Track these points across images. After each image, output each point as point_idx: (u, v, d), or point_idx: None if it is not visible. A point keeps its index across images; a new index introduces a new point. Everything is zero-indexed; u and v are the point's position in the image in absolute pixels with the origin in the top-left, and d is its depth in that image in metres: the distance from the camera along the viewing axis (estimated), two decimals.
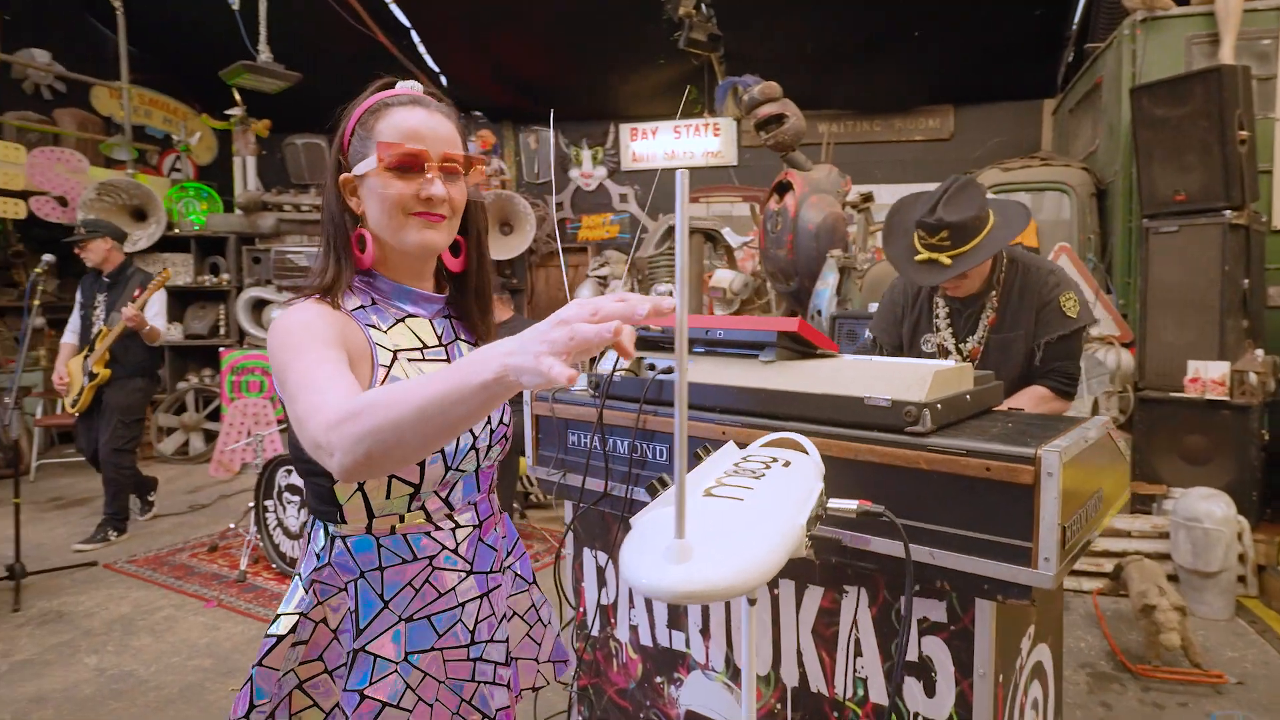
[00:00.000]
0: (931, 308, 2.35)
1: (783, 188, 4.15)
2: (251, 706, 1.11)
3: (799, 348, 1.61)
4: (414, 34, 6.70)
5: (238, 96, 6.60)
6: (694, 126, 7.34)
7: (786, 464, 1.00)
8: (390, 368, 1.11)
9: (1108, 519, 1.55)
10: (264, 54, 5.57)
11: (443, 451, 1.13)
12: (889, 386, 1.42)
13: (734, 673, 1.71)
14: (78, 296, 4.56)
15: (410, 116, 1.10)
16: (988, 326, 2.25)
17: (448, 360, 1.19)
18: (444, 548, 1.19)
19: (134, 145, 7.14)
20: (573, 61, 6.73)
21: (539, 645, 1.46)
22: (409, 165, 1.09)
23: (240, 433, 6.08)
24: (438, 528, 1.18)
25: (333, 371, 0.96)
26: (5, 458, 3.98)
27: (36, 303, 4.09)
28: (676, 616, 1.80)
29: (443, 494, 1.18)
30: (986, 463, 1.27)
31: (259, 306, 6.80)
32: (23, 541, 3.79)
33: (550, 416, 1.97)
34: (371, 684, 1.12)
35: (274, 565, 4.06)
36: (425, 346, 1.17)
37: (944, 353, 2.31)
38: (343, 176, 1.15)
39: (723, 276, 4.92)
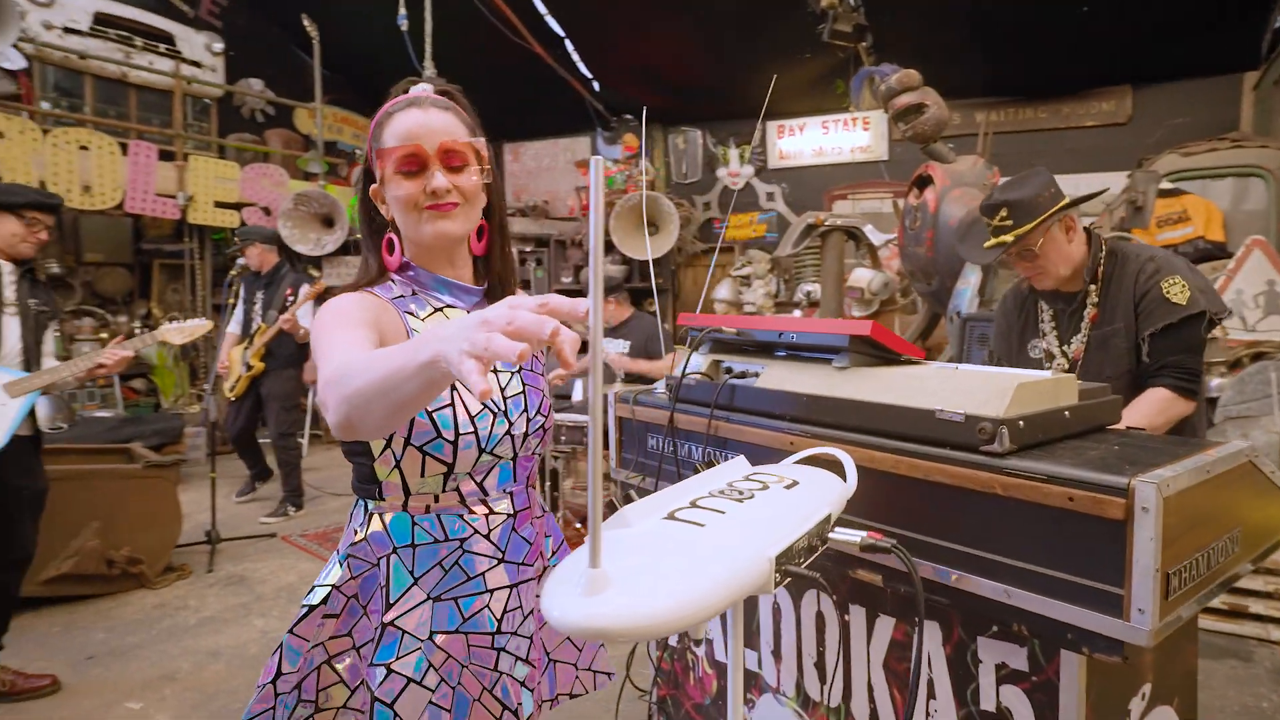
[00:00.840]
0: (1037, 312, 2.14)
1: (923, 181, 3.85)
2: (279, 673, 1.15)
3: (876, 353, 1.46)
4: (568, 43, 6.88)
5: None
6: (842, 121, 7.02)
7: (792, 485, 0.89)
8: None
9: (1255, 560, 1.29)
10: (428, 70, 5.90)
11: (476, 434, 1.14)
12: (966, 399, 1.25)
13: (804, 699, 1.59)
14: (240, 292, 5.05)
15: (405, 119, 1.13)
16: (1089, 324, 1.99)
17: None
18: (475, 532, 1.20)
19: (325, 159, 7.83)
20: (719, 60, 6.64)
21: (579, 651, 1.43)
22: (411, 165, 1.12)
23: None
24: (471, 511, 1.19)
25: (349, 340, 1.00)
26: (208, 437, 4.47)
27: (232, 301, 4.57)
28: (750, 634, 1.70)
29: (478, 478, 1.19)
30: (1070, 491, 1.08)
31: None
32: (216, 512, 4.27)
33: (631, 419, 1.92)
34: (397, 658, 1.13)
35: None
36: None
37: (1049, 357, 2.06)
38: (372, 188, 1.21)
39: (860, 276, 4.64)
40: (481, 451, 1.16)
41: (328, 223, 7.37)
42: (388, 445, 1.13)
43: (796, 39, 5.78)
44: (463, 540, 1.19)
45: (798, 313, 5.56)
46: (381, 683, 1.12)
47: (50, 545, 3.54)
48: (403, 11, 5.90)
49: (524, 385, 1.24)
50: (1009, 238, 1.99)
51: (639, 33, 6.45)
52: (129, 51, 7.23)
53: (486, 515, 1.21)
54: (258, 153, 7.84)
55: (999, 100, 6.76)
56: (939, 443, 1.27)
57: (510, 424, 1.19)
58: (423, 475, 1.15)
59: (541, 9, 6.46)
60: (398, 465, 1.14)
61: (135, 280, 7.37)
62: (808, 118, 7.23)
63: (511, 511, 1.24)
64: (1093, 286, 2.02)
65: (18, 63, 6.57)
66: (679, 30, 6.38)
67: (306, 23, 7.34)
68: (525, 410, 1.23)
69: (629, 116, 7.59)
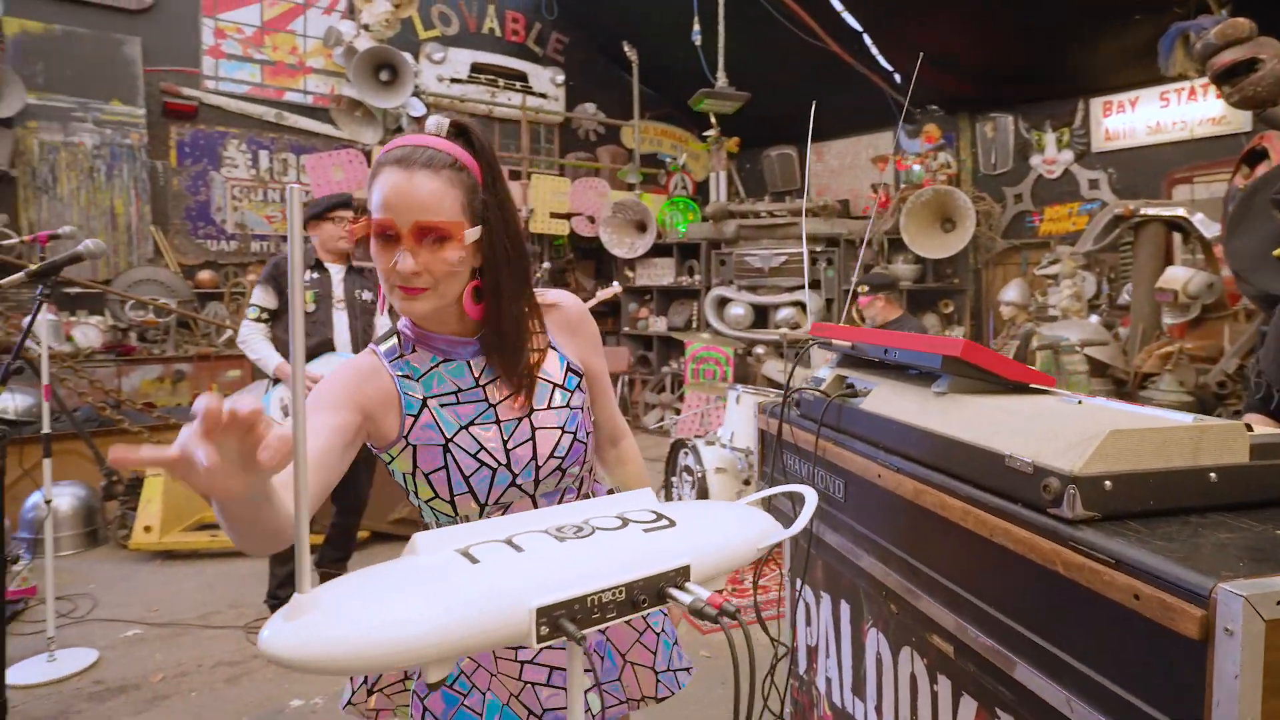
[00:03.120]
0: None
1: (1255, 157, 2.91)
2: None
3: (977, 377, 1.16)
4: (866, 37, 6.48)
5: (713, 119, 7.23)
6: (1186, 90, 5.55)
7: (664, 526, 0.75)
8: (418, 415, 1.10)
9: None
10: (720, 80, 5.99)
11: (472, 493, 1.11)
12: (1047, 444, 0.95)
13: None
14: None
15: (387, 181, 1.02)
16: None
17: (485, 400, 1.14)
18: None
19: (641, 170, 8.36)
20: (1029, 36, 5.73)
21: (654, 654, 1.34)
22: (383, 237, 1.03)
23: (696, 414, 6.71)
24: None
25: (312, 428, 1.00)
26: None
27: None
28: (859, 680, 1.47)
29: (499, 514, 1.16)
30: (1137, 585, 0.76)
31: (722, 304, 7.38)
32: None
33: (769, 432, 1.76)
34: None
35: None
36: (460, 390, 1.14)
37: None
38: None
39: (1174, 275, 3.61)
40: (483, 506, 1.13)
41: (641, 228, 7.88)
42: (414, 494, 1.17)
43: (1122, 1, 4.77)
44: None
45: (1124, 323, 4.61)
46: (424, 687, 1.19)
47: (396, 493, 4.32)
48: (696, 27, 6.06)
49: (533, 430, 1.15)
50: None
51: (939, 18, 5.85)
52: (494, 91, 8.43)
53: None
54: (589, 168, 8.64)
55: None
56: (1009, 496, 0.98)
57: (515, 475, 1.13)
58: (438, 522, 1.17)
59: (838, 6, 6.18)
60: (426, 508, 1.18)
61: None
62: (1140, 90, 5.90)
63: None
64: None
65: (418, 110, 8.03)
66: (981, 9, 5.65)
67: (626, 48, 7.89)
68: (534, 458, 1.15)
69: (934, 107, 6.93)
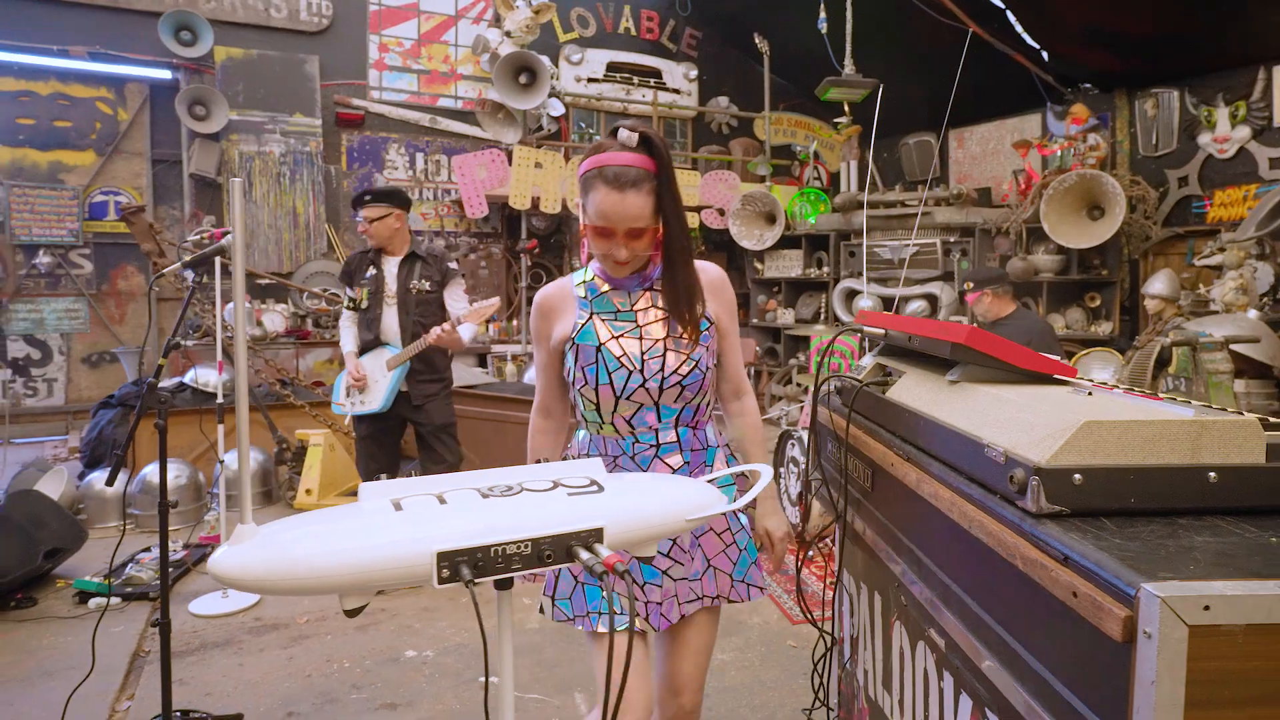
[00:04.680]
0: None
1: None
2: None
3: (988, 364, 1.10)
4: (1009, 14, 6.00)
5: (846, 108, 6.98)
6: None
7: (596, 490, 0.78)
8: (585, 324, 1.52)
9: None
10: (847, 68, 5.78)
11: (612, 385, 1.50)
12: (1025, 434, 0.89)
13: None
14: None
15: (605, 200, 1.41)
16: None
17: (635, 322, 1.52)
18: (623, 452, 1.54)
19: (772, 162, 8.22)
20: (1203, 4, 5.07)
21: (734, 563, 1.58)
22: (603, 232, 1.44)
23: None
24: (623, 438, 1.54)
25: (538, 384, 1.68)
26: None
27: None
28: (888, 674, 1.43)
29: (626, 415, 1.53)
30: (1076, 583, 0.72)
31: (851, 296, 7.14)
32: None
33: (820, 422, 1.73)
34: None
35: None
36: (618, 311, 1.53)
37: None
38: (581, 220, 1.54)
39: None
40: (617, 398, 1.50)
41: (770, 220, 7.76)
42: (571, 385, 1.58)
43: None
44: (615, 458, 1.54)
45: None
46: None
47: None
48: (822, 15, 5.88)
49: (664, 351, 1.51)
50: None
51: None
52: (629, 89, 8.58)
53: (634, 443, 1.53)
54: (721, 161, 8.60)
55: None
56: (987, 487, 0.94)
57: (645, 379, 1.49)
58: (584, 410, 1.56)
59: None
60: (582, 403, 1.56)
61: None
62: None
63: (655, 443, 1.52)
64: None
65: (558, 110, 8.33)
66: None
67: (758, 39, 7.78)
68: (662, 370, 1.49)
69: (1087, 86, 6.30)
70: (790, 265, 7.80)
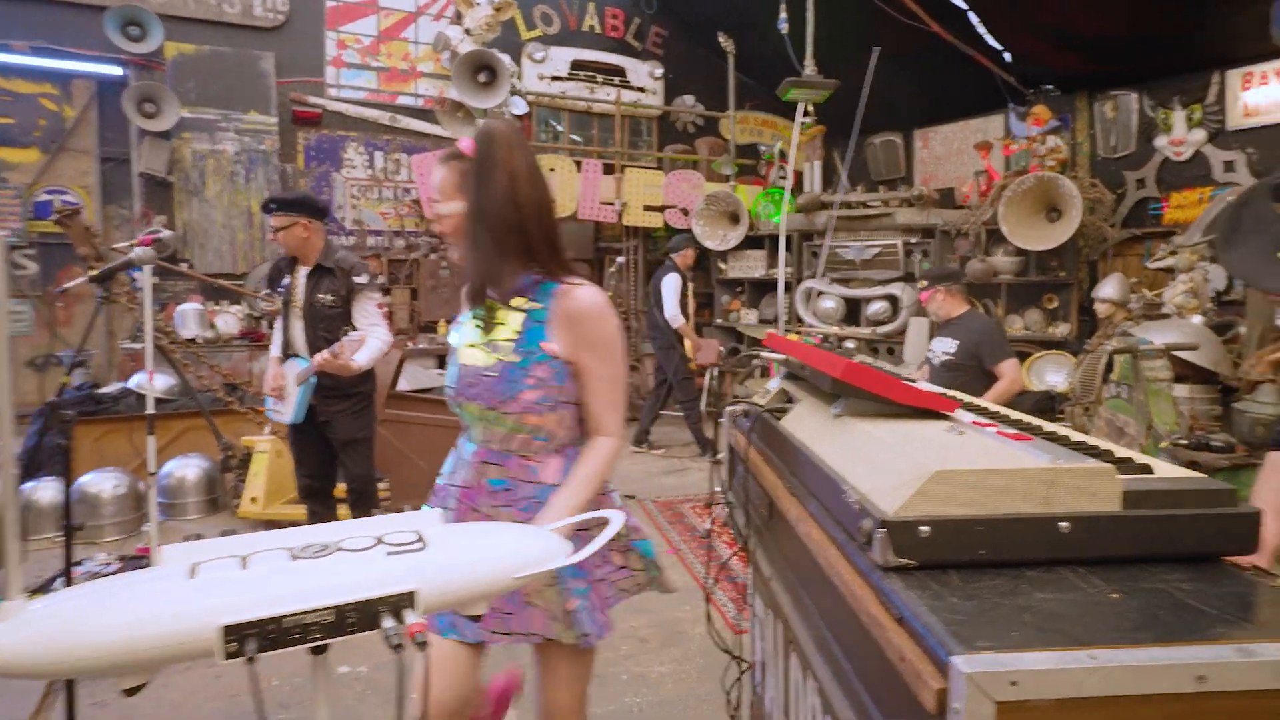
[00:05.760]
0: None
1: None
2: None
3: (867, 398, 1.07)
4: (971, 16, 6.02)
5: (809, 108, 6.97)
6: None
7: (419, 548, 0.74)
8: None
9: None
10: (808, 69, 5.77)
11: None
12: (884, 479, 0.87)
13: None
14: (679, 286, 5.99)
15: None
16: None
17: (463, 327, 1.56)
18: (461, 456, 1.55)
19: (736, 161, 8.20)
20: (1155, 4, 5.11)
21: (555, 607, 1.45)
22: None
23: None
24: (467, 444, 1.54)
25: None
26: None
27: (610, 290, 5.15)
28: (787, 704, 1.41)
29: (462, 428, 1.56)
30: (904, 647, 0.69)
31: (813, 296, 7.15)
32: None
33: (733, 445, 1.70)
34: None
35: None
36: (463, 317, 1.58)
37: None
38: None
39: None
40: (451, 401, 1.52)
41: (734, 219, 7.75)
42: None
43: None
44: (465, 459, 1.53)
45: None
46: None
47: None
48: (783, 15, 5.86)
49: (459, 361, 1.50)
50: None
51: None
52: (593, 87, 8.51)
53: (460, 461, 1.55)
54: (687, 161, 8.57)
55: None
56: (849, 532, 0.91)
57: (451, 389, 1.50)
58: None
59: None
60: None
61: (594, 273, 8.69)
62: None
63: (479, 461, 1.48)
64: None
65: (521, 108, 8.24)
66: None
67: (722, 39, 7.75)
68: (456, 382, 1.49)
69: (1049, 87, 6.35)
70: (754, 265, 7.80)
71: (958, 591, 0.74)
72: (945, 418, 1.06)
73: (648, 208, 7.88)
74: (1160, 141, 5.85)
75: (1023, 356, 5.99)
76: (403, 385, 5.66)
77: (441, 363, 7.26)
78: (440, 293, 7.71)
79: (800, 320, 7.30)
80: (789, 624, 1.34)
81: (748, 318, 7.77)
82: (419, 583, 0.69)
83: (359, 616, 0.66)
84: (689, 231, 7.35)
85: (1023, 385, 3.87)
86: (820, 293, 7.10)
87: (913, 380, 1.31)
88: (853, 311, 6.94)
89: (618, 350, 1.44)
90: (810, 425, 1.18)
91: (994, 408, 1.24)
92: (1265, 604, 0.72)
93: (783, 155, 8.73)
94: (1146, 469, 0.90)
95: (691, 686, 2.72)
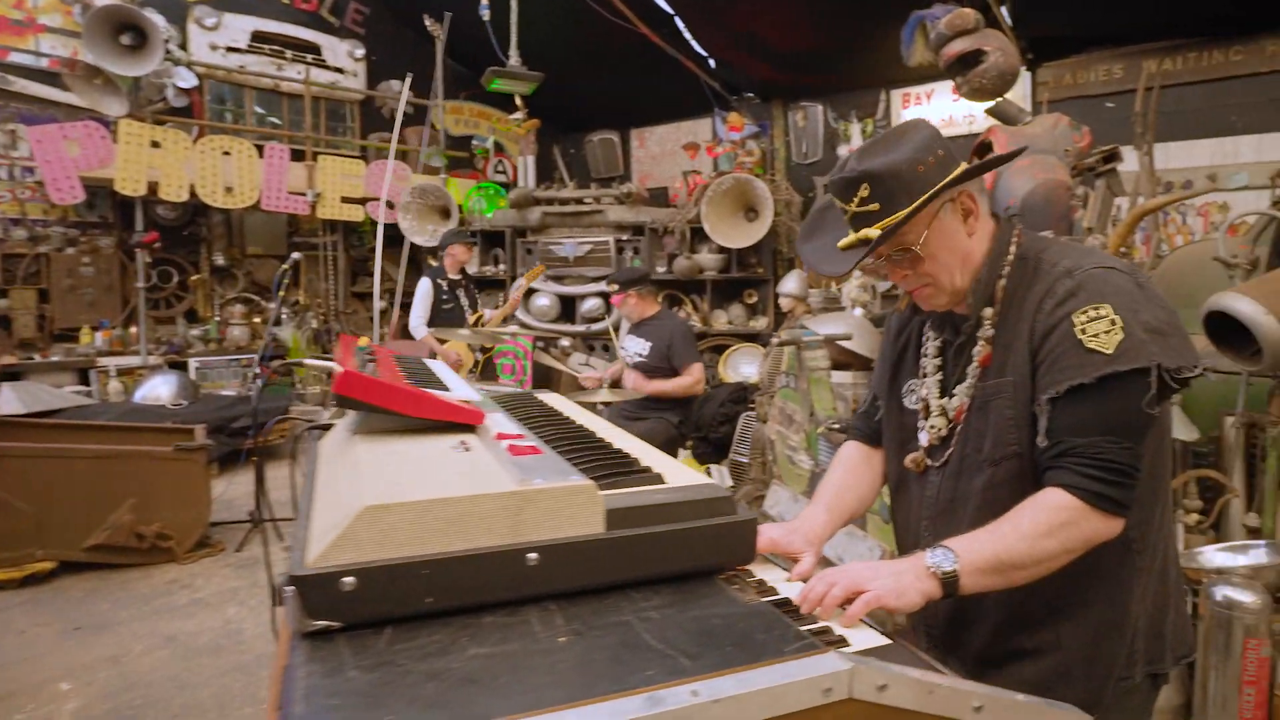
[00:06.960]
0: (920, 341, 1.35)
1: (984, 149, 2.92)
2: None
3: (368, 411, 0.92)
4: (678, 20, 6.32)
5: (519, 101, 6.88)
6: None
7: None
8: None
9: None
10: (513, 59, 5.66)
11: None
12: (326, 516, 0.70)
13: None
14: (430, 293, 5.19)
15: None
16: (978, 368, 1.21)
17: None
18: None
19: (446, 153, 7.91)
20: (833, 25, 5.75)
21: None
22: None
23: None
24: None
25: None
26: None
27: (282, 293, 4.64)
28: None
29: None
30: None
31: (528, 295, 7.08)
32: None
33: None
34: None
35: None
36: None
37: (926, 411, 1.30)
38: None
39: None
40: None
41: (444, 214, 7.44)
42: None
43: None
44: None
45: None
46: None
47: (94, 516, 3.78)
48: (484, 2, 5.70)
49: None
50: (874, 231, 1.20)
51: (749, 5, 5.74)
52: (281, 64, 7.71)
53: None
54: (391, 149, 8.07)
55: (1176, 44, 5.21)
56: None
57: None
58: None
59: None
60: None
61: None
62: (936, 83, 6.09)
63: None
64: (989, 310, 1.22)
65: (188, 81, 7.22)
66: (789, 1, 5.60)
67: (429, 22, 7.41)
68: None
69: (750, 95, 6.88)
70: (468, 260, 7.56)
71: (371, 658, 0.60)
72: (469, 429, 0.93)
73: (346, 199, 7.31)
74: (842, 150, 6.62)
75: (722, 350, 6.43)
76: (13, 407, 4.64)
77: (83, 378, 6.13)
78: (82, 294, 6.50)
79: (515, 318, 7.21)
80: None
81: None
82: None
83: None
84: (465, 228, 6.85)
85: (702, 388, 4.11)
86: (534, 290, 7.05)
87: (589, 378, 1.20)
88: (567, 309, 6.98)
89: None
90: (336, 444, 1.00)
91: (559, 411, 1.15)
92: (717, 632, 0.65)
93: (500, 148, 8.61)
94: (658, 479, 0.83)
95: None
